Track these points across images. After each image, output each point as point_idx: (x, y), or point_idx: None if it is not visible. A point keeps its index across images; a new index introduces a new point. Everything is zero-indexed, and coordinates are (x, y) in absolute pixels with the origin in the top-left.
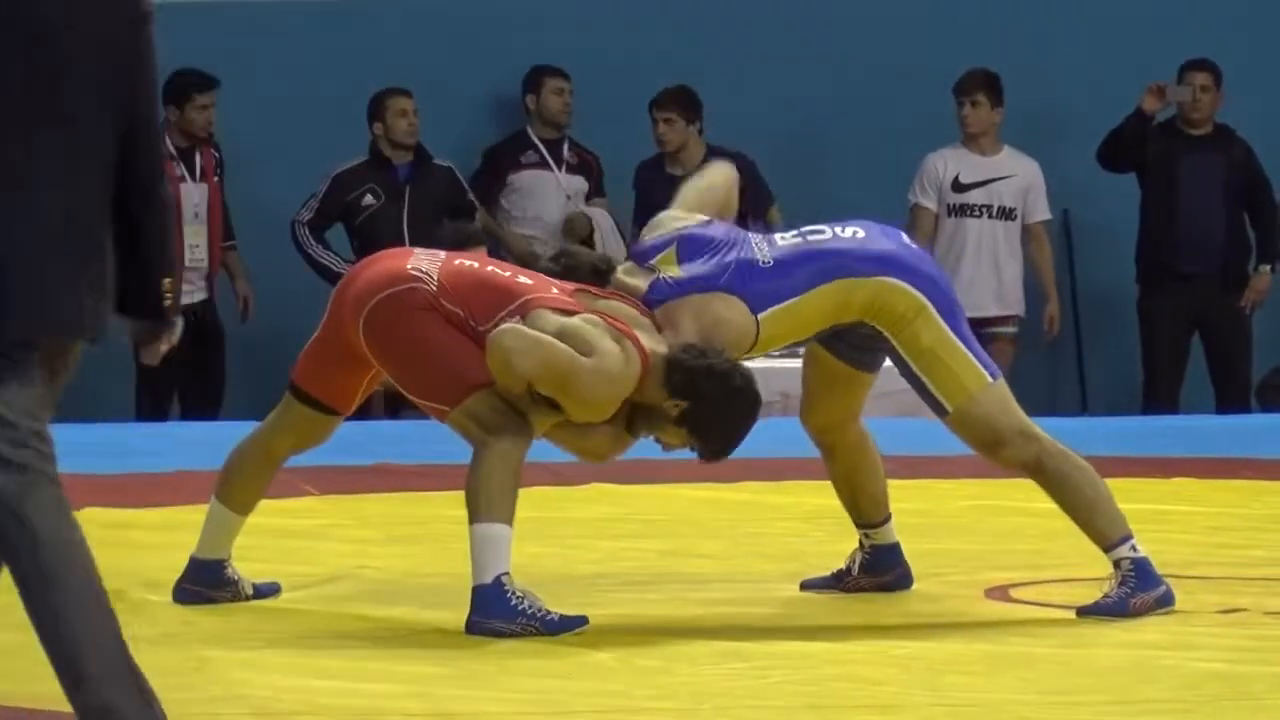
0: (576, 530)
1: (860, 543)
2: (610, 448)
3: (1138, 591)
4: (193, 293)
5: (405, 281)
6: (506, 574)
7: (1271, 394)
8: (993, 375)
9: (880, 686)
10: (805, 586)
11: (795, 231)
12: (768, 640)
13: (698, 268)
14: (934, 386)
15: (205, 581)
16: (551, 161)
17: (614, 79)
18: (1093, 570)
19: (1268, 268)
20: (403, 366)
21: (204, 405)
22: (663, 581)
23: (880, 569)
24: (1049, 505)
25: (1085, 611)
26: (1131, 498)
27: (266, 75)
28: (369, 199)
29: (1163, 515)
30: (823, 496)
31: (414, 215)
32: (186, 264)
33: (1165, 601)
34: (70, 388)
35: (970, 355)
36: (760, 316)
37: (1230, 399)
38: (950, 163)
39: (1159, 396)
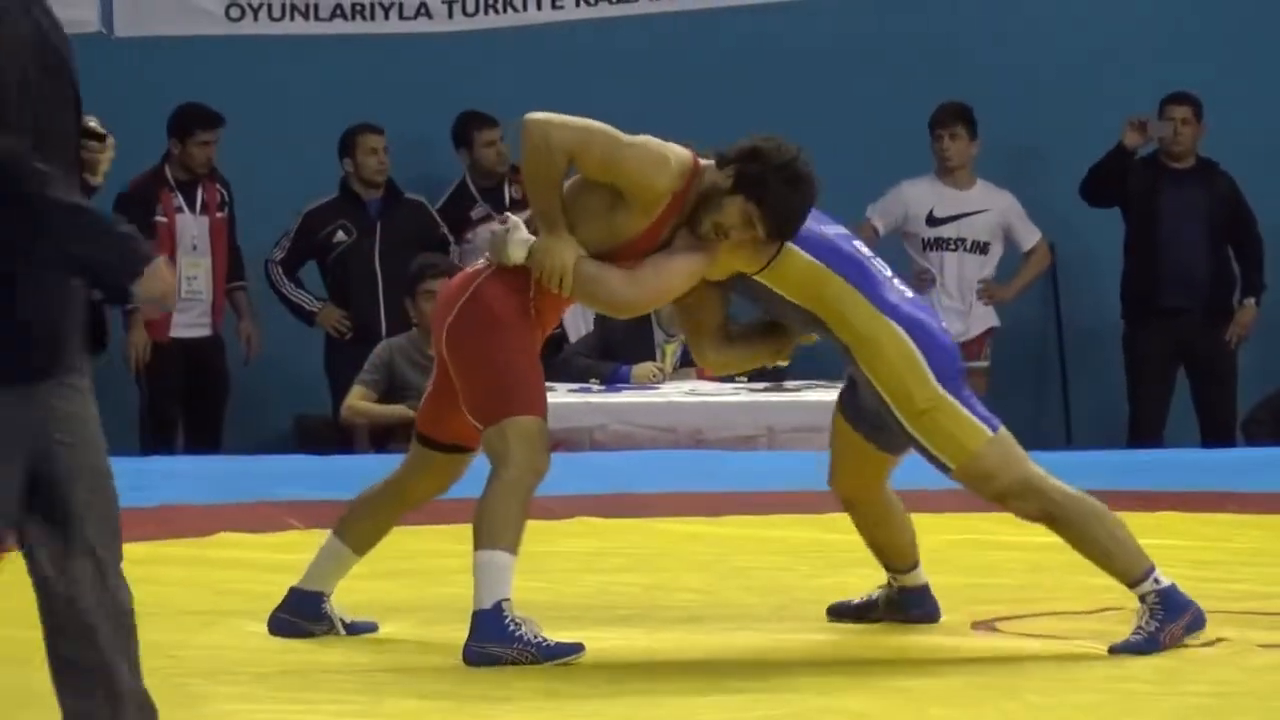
0: (563, 564)
1: (889, 581)
2: (634, 291)
3: (1166, 624)
4: (192, 327)
5: (471, 282)
6: (507, 600)
7: (1256, 428)
8: (992, 428)
9: (865, 719)
10: (832, 613)
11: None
12: (753, 672)
13: None
14: (933, 447)
15: (304, 613)
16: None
17: None
18: (1079, 604)
19: (1253, 301)
20: (465, 380)
21: (201, 444)
22: (649, 615)
23: (906, 606)
24: (1034, 539)
25: (1116, 649)
26: None
27: (248, 110)
28: (340, 235)
29: (1148, 549)
30: (807, 530)
31: (385, 250)
32: (182, 295)
33: (1196, 625)
34: None
35: (968, 413)
36: (789, 246)
37: (1215, 433)
38: (926, 195)
39: (1144, 430)
